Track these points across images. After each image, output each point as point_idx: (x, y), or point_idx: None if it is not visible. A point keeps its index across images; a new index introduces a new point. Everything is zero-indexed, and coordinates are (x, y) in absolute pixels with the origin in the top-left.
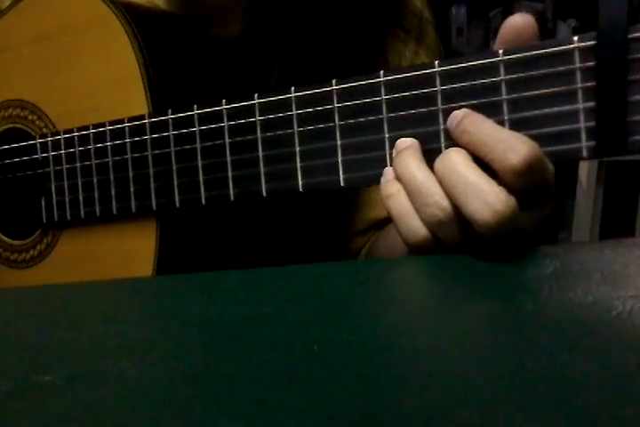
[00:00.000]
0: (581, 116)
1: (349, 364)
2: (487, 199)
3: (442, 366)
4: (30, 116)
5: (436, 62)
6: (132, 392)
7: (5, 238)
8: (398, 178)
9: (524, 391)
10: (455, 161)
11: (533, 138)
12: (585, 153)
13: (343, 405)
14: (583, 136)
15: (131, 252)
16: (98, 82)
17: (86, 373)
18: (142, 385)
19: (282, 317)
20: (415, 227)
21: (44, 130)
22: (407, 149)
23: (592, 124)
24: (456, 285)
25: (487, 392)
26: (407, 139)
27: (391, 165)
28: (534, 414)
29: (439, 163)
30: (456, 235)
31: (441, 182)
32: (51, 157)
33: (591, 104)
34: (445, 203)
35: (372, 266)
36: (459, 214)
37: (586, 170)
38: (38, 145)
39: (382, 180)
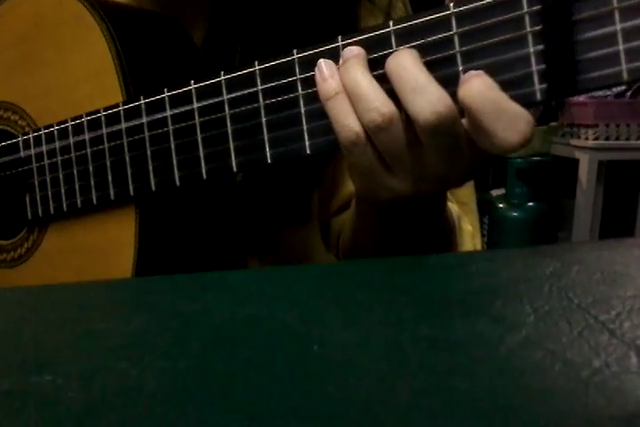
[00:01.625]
0: (532, 60)
1: (349, 364)
2: (432, 100)
3: (440, 366)
4: (13, 117)
5: (391, 22)
6: (131, 392)
7: None
8: (343, 85)
9: (529, 393)
10: (407, 60)
11: None
12: (539, 96)
13: (343, 405)
14: (536, 80)
15: (112, 241)
16: (74, 77)
17: (86, 373)
18: (142, 385)
19: (281, 317)
20: (350, 124)
21: (27, 129)
22: (353, 58)
23: (543, 66)
24: (456, 284)
25: (488, 393)
26: (354, 47)
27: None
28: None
29: (391, 60)
30: (392, 143)
31: (390, 79)
32: (33, 154)
33: (541, 47)
34: (385, 109)
35: (371, 266)
36: (397, 122)
37: (586, 170)
38: (20, 143)
39: (317, 76)
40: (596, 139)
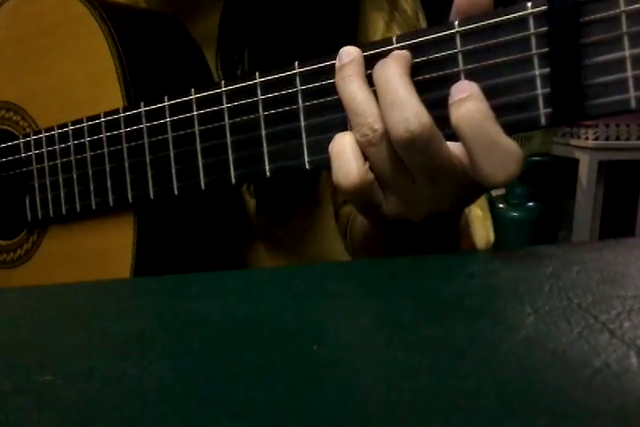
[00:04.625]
0: (538, 83)
1: (349, 364)
2: (408, 116)
3: (440, 366)
4: (15, 117)
5: (394, 38)
6: (132, 392)
7: None
8: (339, 93)
9: (534, 395)
10: (392, 71)
11: (492, 108)
12: (543, 121)
13: (343, 405)
14: (541, 103)
15: (110, 247)
16: (76, 79)
17: (86, 373)
18: (142, 385)
19: (282, 317)
20: (342, 134)
21: (28, 130)
22: (351, 65)
23: (549, 90)
24: (456, 284)
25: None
26: (351, 49)
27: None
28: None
29: (378, 70)
30: (381, 160)
31: (376, 90)
32: (33, 156)
33: (547, 70)
34: (378, 125)
35: (372, 266)
36: (388, 139)
37: (586, 170)
38: (21, 145)
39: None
40: (596, 139)
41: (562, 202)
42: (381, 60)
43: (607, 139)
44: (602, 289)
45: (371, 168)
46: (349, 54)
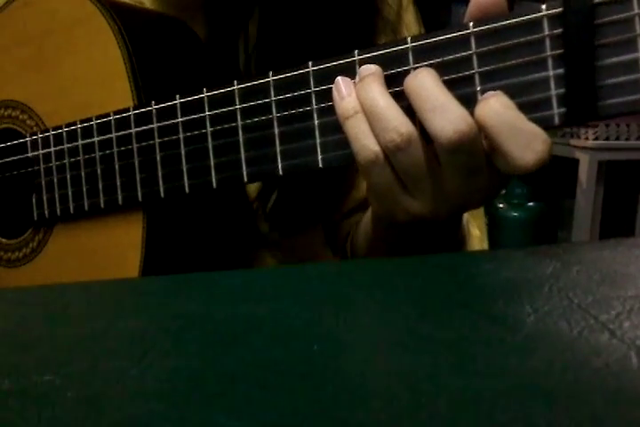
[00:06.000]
0: (552, 84)
1: (350, 364)
2: (453, 119)
3: (440, 366)
4: (21, 116)
5: (409, 38)
6: (132, 392)
7: None
8: (361, 103)
9: (529, 394)
10: (427, 79)
11: None
12: (557, 120)
13: (343, 404)
14: (554, 103)
15: (119, 245)
16: (85, 79)
17: (86, 373)
18: (142, 385)
19: (282, 316)
20: (369, 144)
21: (35, 128)
22: (371, 76)
23: (562, 91)
24: (456, 284)
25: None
26: (371, 65)
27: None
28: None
29: (410, 80)
30: (410, 164)
31: (410, 99)
32: (40, 155)
33: (561, 71)
34: (404, 129)
35: (372, 266)
36: (415, 142)
37: (586, 170)
38: (28, 143)
39: (335, 95)
40: (596, 139)
41: (562, 202)
42: (411, 74)
43: (607, 139)
44: (602, 289)
45: (397, 175)
46: (368, 69)
